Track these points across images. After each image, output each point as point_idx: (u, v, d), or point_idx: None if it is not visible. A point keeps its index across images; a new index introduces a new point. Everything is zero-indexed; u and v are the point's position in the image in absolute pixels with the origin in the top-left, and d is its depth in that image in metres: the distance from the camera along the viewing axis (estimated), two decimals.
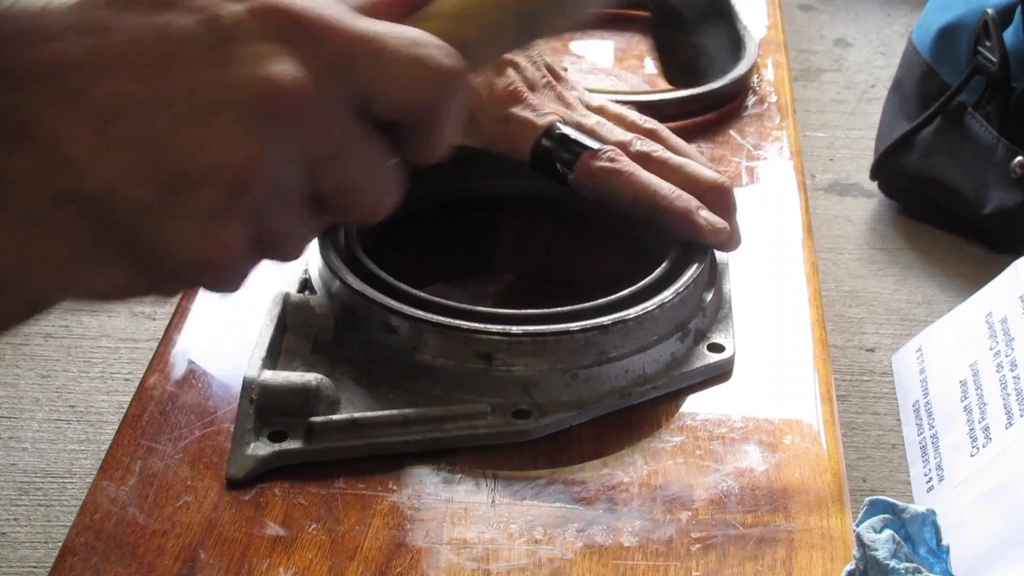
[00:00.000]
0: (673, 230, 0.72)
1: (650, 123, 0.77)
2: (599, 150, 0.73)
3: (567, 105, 0.76)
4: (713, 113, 0.93)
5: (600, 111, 0.78)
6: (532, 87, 0.76)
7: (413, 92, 0.47)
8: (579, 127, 0.75)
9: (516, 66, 0.75)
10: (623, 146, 0.74)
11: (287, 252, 0.49)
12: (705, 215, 0.72)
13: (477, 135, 0.75)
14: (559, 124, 0.74)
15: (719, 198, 0.73)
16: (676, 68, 0.62)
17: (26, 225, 0.44)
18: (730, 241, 0.73)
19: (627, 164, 0.72)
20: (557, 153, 0.73)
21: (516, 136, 0.74)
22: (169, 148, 0.44)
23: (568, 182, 0.73)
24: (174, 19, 0.44)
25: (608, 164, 0.72)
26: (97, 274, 0.46)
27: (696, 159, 0.76)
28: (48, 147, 0.44)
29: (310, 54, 0.45)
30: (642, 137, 0.75)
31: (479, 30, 0.51)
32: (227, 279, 0.48)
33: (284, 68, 0.45)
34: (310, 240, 0.50)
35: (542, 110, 0.74)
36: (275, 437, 0.63)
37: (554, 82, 0.77)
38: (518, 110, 0.74)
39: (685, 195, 0.72)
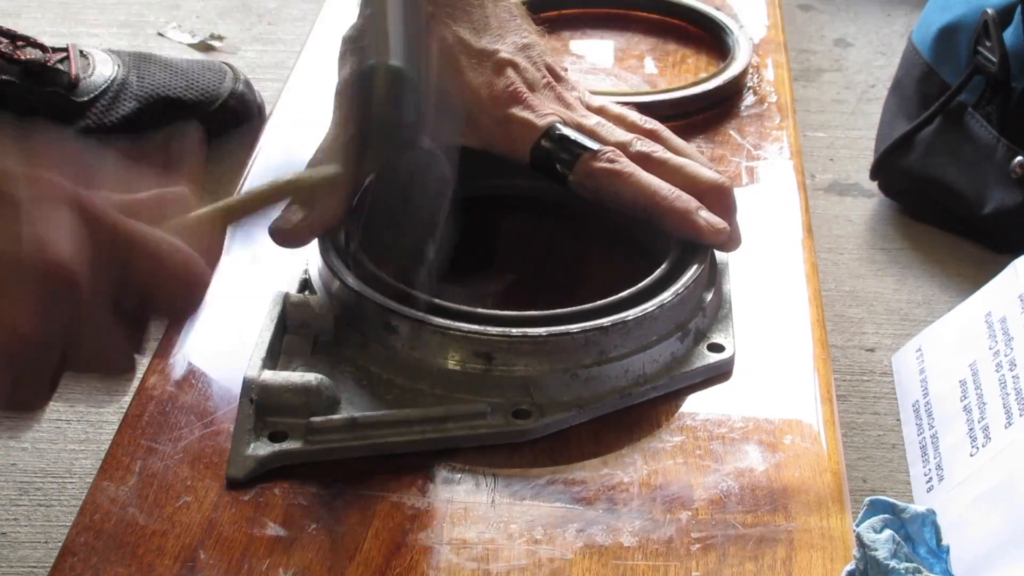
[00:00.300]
0: (673, 231, 0.72)
1: (651, 123, 0.77)
2: (598, 151, 0.72)
3: (567, 106, 0.76)
4: (708, 113, 0.93)
5: (600, 112, 0.78)
6: (532, 87, 0.75)
7: (165, 288, 0.54)
8: (579, 128, 0.74)
9: (516, 66, 0.75)
10: (623, 147, 0.74)
11: (29, 403, 0.53)
12: (705, 215, 0.72)
13: (476, 136, 0.75)
14: (559, 125, 0.74)
15: (719, 198, 0.73)
16: None
17: None
18: (730, 241, 0.73)
19: (626, 165, 0.72)
20: (556, 154, 0.73)
21: (515, 137, 0.74)
22: None
23: (567, 183, 0.73)
24: None
25: (607, 165, 0.72)
26: None
27: (697, 159, 0.76)
28: None
29: (89, 241, 0.50)
30: (642, 138, 0.75)
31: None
32: None
33: (62, 252, 0.49)
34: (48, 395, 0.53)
35: (542, 111, 0.74)
36: (275, 437, 0.63)
37: (554, 82, 0.77)
38: (517, 111, 0.74)
39: (685, 195, 0.72)
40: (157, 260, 0.53)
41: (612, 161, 0.72)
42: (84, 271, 0.50)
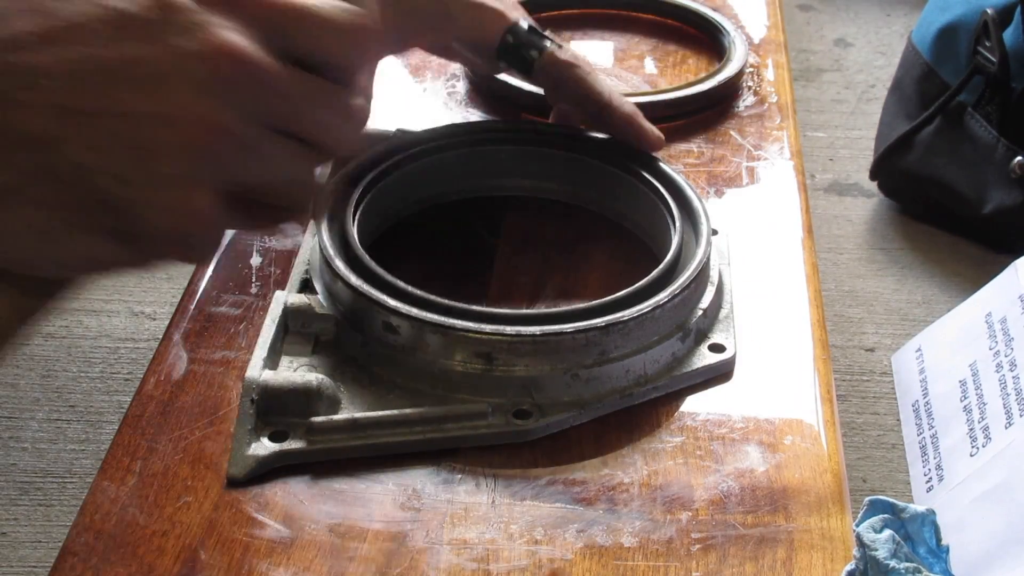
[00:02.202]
0: (616, 131, 0.78)
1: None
2: (562, 47, 0.79)
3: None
4: (706, 113, 0.93)
5: None
6: None
7: (336, 47, 0.50)
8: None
9: None
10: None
11: (283, 210, 0.52)
12: (646, 122, 0.78)
13: (447, 23, 0.79)
14: (524, 19, 0.80)
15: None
16: None
17: (2, 200, 0.46)
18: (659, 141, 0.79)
19: (585, 63, 0.79)
20: (526, 41, 0.79)
21: (486, 21, 0.79)
22: (131, 118, 0.46)
23: (531, 68, 0.79)
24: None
25: (571, 59, 0.79)
26: (76, 246, 0.48)
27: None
28: (14, 124, 0.45)
29: (245, 22, 0.48)
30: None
31: None
32: (200, 247, 0.50)
33: (228, 35, 0.48)
34: (306, 193, 0.52)
35: (509, 3, 0.80)
36: (276, 437, 0.63)
37: None
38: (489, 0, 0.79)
39: (631, 103, 0.78)
40: (316, 17, 0.50)
41: (575, 56, 0.79)
42: (254, 49, 0.48)
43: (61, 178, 0.46)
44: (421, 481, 0.63)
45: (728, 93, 0.95)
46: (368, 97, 0.53)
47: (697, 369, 0.69)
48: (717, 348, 0.70)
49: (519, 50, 0.79)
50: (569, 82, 0.79)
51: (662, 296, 0.68)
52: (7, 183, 0.46)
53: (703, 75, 0.95)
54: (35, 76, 0.45)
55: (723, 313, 0.72)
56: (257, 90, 0.48)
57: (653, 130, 0.79)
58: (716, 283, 0.72)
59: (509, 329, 0.65)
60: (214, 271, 0.77)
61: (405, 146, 0.79)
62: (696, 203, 0.74)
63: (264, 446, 0.63)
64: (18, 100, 0.45)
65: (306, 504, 0.61)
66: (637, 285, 0.69)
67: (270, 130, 0.49)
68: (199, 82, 0.47)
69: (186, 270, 0.76)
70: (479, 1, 0.79)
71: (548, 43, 0.79)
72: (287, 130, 0.50)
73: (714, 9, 1.05)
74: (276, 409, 0.64)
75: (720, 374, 0.69)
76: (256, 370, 0.65)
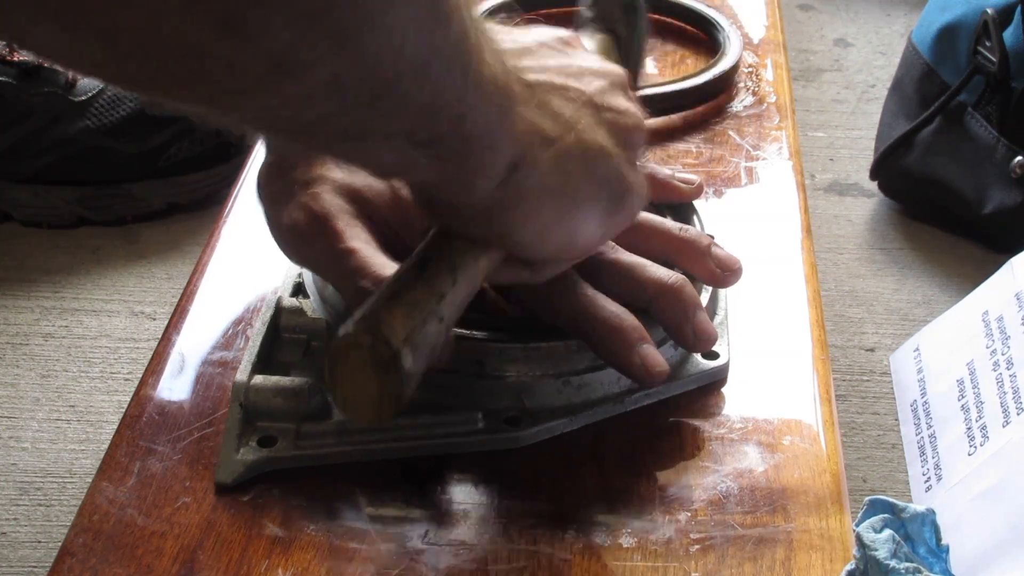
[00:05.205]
0: (608, 363, 0.65)
1: None
2: None
3: None
4: (704, 111, 0.93)
5: None
6: None
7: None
8: None
9: None
10: None
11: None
12: (643, 352, 0.64)
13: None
14: None
15: (671, 302, 0.66)
16: None
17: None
18: (661, 376, 0.65)
19: (564, 282, 0.65)
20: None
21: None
22: (622, 117, 0.63)
23: (508, 296, 0.68)
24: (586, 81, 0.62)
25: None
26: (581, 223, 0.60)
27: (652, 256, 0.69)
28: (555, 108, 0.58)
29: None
30: None
31: None
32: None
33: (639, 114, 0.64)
34: None
35: None
36: (265, 442, 0.63)
37: None
38: None
39: (626, 325, 0.64)
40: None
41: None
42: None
43: (588, 154, 0.59)
44: (419, 483, 0.63)
45: (723, 87, 0.95)
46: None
47: (690, 376, 0.68)
48: (710, 355, 0.69)
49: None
50: (547, 313, 0.66)
51: None
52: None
53: (699, 70, 0.95)
54: (566, 83, 0.60)
55: (717, 319, 0.71)
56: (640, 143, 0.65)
57: (648, 365, 0.64)
58: (710, 289, 0.71)
59: (500, 335, 0.65)
60: (212, 272, 0.77)
61: None
62: (689, 206, 0.74)
63: (252, 451, 0.62)
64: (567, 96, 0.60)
65: (305, 505, 0.61)
66: None
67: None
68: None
69: (186, 270, 0.76)
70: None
71: None
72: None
73: (713, 8, 1.04)
74: (265, 413, 0.63)
75: (714, 381, 0.69)
76: (245, 374, 0.64)
